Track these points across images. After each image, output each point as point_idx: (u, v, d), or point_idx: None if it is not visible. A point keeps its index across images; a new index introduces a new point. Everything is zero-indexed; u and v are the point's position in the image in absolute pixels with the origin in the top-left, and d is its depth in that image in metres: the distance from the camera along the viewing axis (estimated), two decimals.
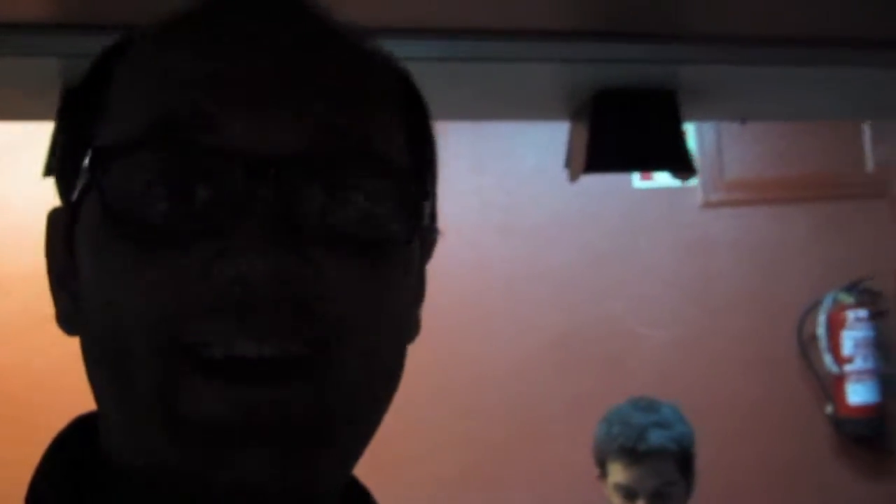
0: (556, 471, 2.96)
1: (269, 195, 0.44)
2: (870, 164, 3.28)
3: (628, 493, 1.83)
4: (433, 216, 0.53)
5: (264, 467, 0.43)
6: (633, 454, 1.82)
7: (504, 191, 3.24)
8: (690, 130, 3.24)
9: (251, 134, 0.45)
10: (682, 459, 1.86)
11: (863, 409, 3.08)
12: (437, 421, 3.08)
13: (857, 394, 3.07)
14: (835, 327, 3.11)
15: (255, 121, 0.46)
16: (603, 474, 1.91)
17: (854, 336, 3.08)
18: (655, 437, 1.83)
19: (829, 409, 3.14)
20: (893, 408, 3.16)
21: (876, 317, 3.14)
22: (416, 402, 3.07)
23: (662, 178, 3.26)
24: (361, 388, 0.47)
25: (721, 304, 3.21)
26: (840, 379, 3.08)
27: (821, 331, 3.14)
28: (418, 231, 0.49)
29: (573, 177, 1.36)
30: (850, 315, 3.09)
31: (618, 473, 1.85)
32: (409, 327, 0.52)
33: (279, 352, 0.44)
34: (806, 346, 3.17)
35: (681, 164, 1.34)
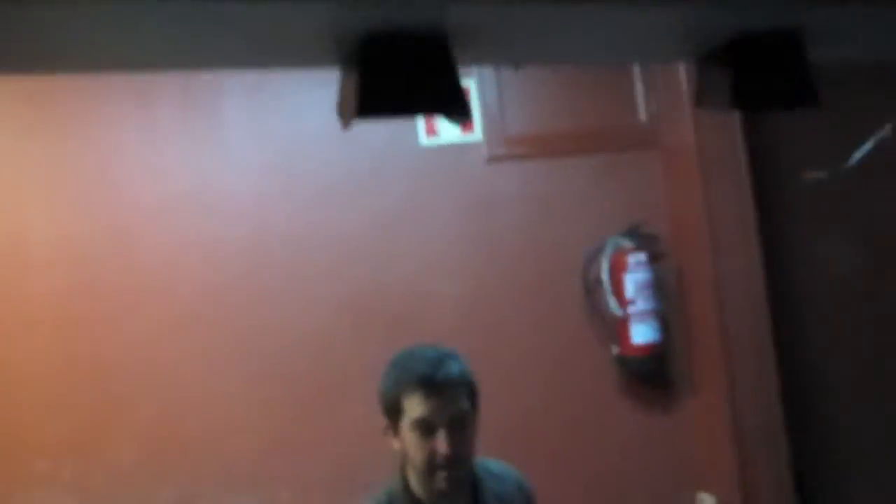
0: (354, 432, 2.95)
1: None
2: (643, 117, 3.41)
3: (427, 425, 1.82)
4: None
5: None
6: (432, 383, 1.81)
7: (287, 154, 3.15)
8: (472, 88, 3.28)
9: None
10: (471, 391, 1.89)
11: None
12: (238, 392, 3.01)
13: (640, 334, 3.20)
14: (617, 271, 3.23)
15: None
16: (391, 424, 1.88)
17: (635, 279, 3.20)
18: (452, 367, 1.85)
19: (614, 349, 3.27)
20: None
21: (654, 259, 3.28)
22: (214, 375, 2.97)
23: (448, 135, 3.27)
24: None
25: (509, 256, 3.27)
26: (624, 320, 3.21)
27: (604, 275, 3.25)
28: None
29: (345, 124, 1.32)
30: (631, 259, 3.21)
31: (415, 408, 1.83)
32: None
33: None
34: (591, 290, 3.28)
35: (454, 108, 1.31)
